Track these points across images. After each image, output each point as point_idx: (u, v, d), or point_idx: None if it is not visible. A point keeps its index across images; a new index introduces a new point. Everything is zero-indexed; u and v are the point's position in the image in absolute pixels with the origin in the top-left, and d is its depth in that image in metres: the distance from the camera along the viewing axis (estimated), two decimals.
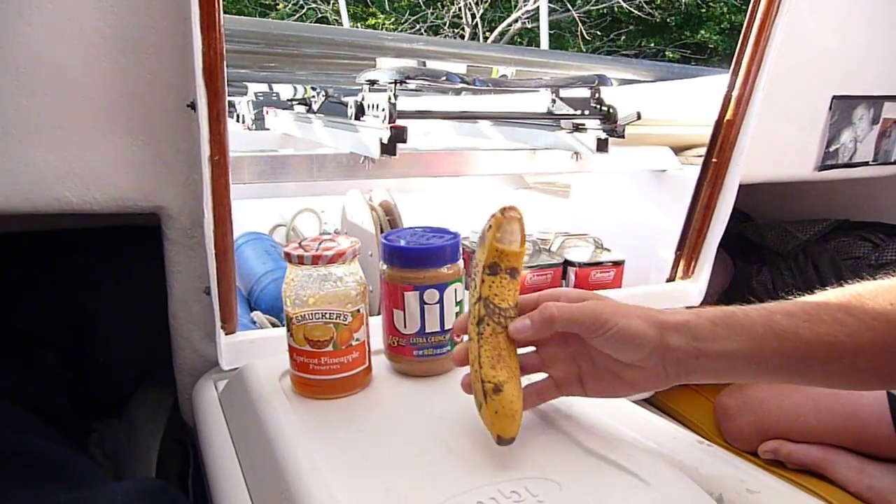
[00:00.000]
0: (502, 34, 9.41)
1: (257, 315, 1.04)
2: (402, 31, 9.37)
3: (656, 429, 0.66)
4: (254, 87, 1.80)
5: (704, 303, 1.14)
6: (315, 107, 1.31)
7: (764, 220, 1.56)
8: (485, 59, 2.28)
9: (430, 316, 0.68)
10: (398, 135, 0.92)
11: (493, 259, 0.55)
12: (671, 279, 1.15)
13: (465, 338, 0.58)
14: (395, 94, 0.94)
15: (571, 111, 1.15)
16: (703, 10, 9.63)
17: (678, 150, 1.28)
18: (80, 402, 0.97)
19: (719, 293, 1.35)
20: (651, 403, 1.27)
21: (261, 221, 1.49)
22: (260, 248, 1.27)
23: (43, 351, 0.98)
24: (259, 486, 0.58)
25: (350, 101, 1.04)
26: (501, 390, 0.52)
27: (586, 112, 1.13)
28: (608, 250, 1.16)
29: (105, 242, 1.06)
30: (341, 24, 6.94)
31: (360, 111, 1.02)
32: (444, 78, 1.05)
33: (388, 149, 0.93)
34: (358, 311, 0.65)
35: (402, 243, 0.68)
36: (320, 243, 0.65)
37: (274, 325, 1.01)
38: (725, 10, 9.40)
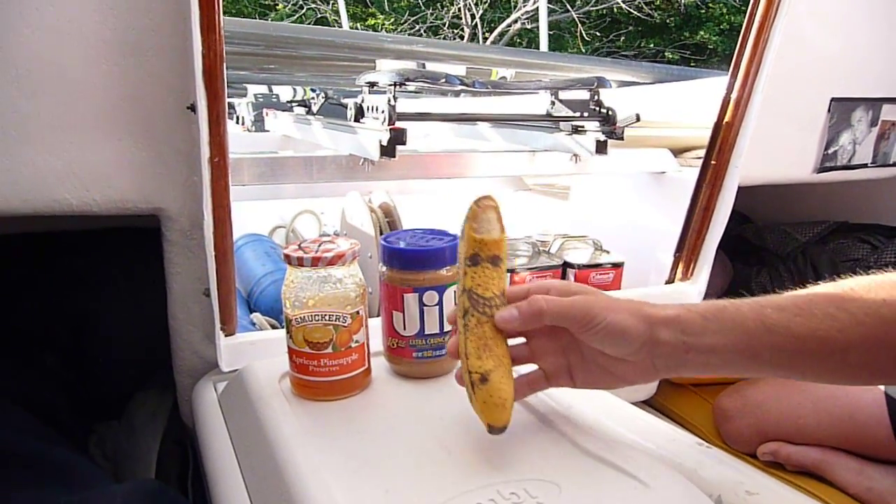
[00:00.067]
0: (502, 35, 9.41)
1: (257, 317, 1.04)
2: (401, 31, 9.38)
3: (655, 430, 0.66)
4: (253, 89, 1.81)
5: None
6: (315, 108, 1.31)
7: (763, 221, 1.57)
8: (484, 60, 2.28)
9: (429, 318, 0.68)
10: (398, 137, 0.92)
11: (472, 250, 0.55)
12: (670, 281, 1.15)
13: None
14: (394, 96, 0.94)
15: (571, 113, 1.15)
16: (703, 11, 9.64)
17: (677, 152, 1.28)
18: (80, 403, 0.97)
19: (718, 295, 1.35)
20: (650, 405, 1.27)
21: (260, 223, 1.49)
22: (259, 249, 1.27)
23: (43, 352, 0.98)
24: (258, 487, 0.59)
25: (350, 102, 1.04)
26: (488, 380, 0.52)
27: (585, 114, 1.13)
28: (607, 252, 1.17)
29: (105, 244, 1.06)
30: (341, 24, 6.95)
31: (359, 113, 1.02)
32: (444, 80, 1.05)
33: (388, 151, 0.93)
34: (357, 312, 0.65)
35: (402, 245, 0.68)
36: (320, 245, 0.65)
37: (273, 327, 1.01)
38: (725, 10, 9.41)
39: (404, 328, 0.68)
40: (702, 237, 1.10)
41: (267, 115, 1.59)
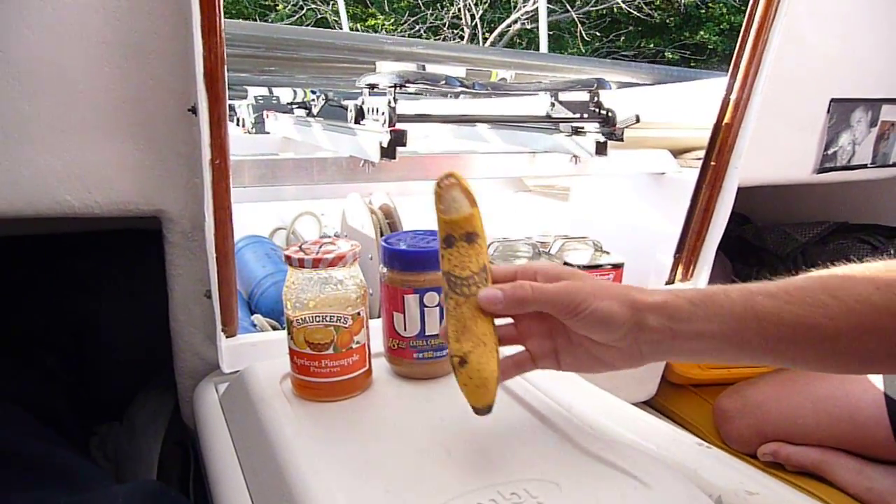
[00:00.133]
0: (502, 35, 9.43)
1: (258, 318, 1.04)
2: (401, 31, 9.39)
3: (656, 431, 0.66)
4: (254, 91, 1.81)
5: None
6: (315, 110, 1.32)
7: (763, 222, 1.57)
8: (484, 62, 2.28)
9: (430, 319, 0.68)
10: (398, 138, 0.92)
11: (444, 232, 0.54)
12: (670, 282, 1.15)
13: None
14: (394, 98, 0.95)
15: (570, 114, 1.16)
16: (703, 11, 9.66)
17: (677, 153, 1.28)
18: (81, 404, 0.97)
19: None
20: (651, 406, 1.27)
21: (261, 225, 1.49)
22: (260, 251, 1.27)
23: (44, 354, 0.98)
24: (260, 488, 0.59)
25: (350, 104, 1.04)
26: (467, 361, 0.52)
27: (585, 115, 1.13)
28: (607, 253, 1.17)
29: (106, 246, 1.06)
30: (340, 24, 6.96)
31: (359, 115, 1.02)
32: (444, 82, 1.05)
33: (388, 152, 0.93)
34: (358, 313, 0.65)
35: (403, 246, 0.68)
36: (320, 246, 0.66)
37: (274, 328, 1.01)
38: (725, 10, 9.42)
39: (405, 329, 0.68)
40: (702, 238, 1.10)
41: (267, 117, 1.60)
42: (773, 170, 1.14)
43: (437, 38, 9.58)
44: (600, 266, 1.12)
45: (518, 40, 9.69)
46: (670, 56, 9.84)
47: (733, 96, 0.99)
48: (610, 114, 1.11)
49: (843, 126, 1.15)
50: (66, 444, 0.79)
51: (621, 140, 1.11)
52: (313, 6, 9.17)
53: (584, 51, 9.55)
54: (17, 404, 0.81)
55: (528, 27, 9.19)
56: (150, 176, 0.75)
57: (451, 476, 0.52)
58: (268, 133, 1.60)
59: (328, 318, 0.64)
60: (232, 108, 1.76)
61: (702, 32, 9.58)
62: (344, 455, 0.56)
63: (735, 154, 1.03)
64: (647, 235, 1.26)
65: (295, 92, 1.86)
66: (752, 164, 1.04)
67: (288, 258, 0.64)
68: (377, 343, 0.71)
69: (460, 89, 1.08)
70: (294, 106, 1.52)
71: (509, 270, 0.56)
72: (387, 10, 9.77)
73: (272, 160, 1.00)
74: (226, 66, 0.70)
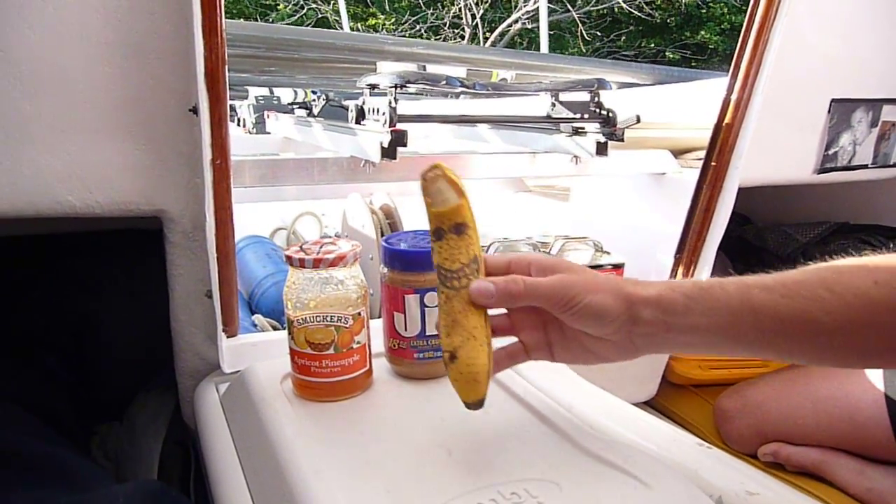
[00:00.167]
0: (502, 35, 9.43)
1: (258, 318, 1.04)
2: (402, 31, 9.39)
3: (656, 431, 0.66)
4: (254, 91, 1.81)
5: None
6: (315, 110, 1.32)
7: (763, 223, 1.57)
8: (484, 62, 2.28)
9: (430, 319, 0.68)
10: (399, 138, 0.92)
11: (433, 224, 0.53)
12: None
13: None
14: (395, 98, 0.95)
15: (571, 115, 1.16)
16: (704, 11, 9.65)
17: (677, 153, 1.28)
18: (82, 404, 0.97)
19: None
20: (651, 406, 1.27)
21: (261, 225, 1.49)
22: (261, 251, 1.27)
23: (45, 354, 0.98)
24: (260, 488, 0.59)
25: (351, 104, 1.04)
26: (456, 357, 0.51)
27: (586, 116, 1.13)
28: (608, 253, 1.17)
29: (107, 246, 1.07)
30: (341, 24, 6.96)
31: (360, 115, 1.02)
32: (444, 82, 1.06)
33: (389, 152, 0.93)
34: (359, 314, 0.65)
35: (403, 246, 0.68)
36: (321, 246, 0.66)
37: (275, 328, 1.01)
38: (726, 10, 9.42)
39: (405, 329, 0.68)
40: (702, 238, 1.10)
41: (268, 117, 1.60)
42: (773, 170, 1.14)
43: (438, 37, 9.58)
44: (601, 266, 1.13)
45: (519, 40, 9.69)
46: (671, 56, 9.84)
47: (734, 96, 0.99)
48: (610, 114, 1.11)
49: (843, 126, 1.15)
50: (67, 444, 0.79)
51: (622, 140, 1.11)
52: (314, 6, 9.17)
53: (584, 50, 9.55)
54: (18, 404, 0.81)
55: (529, 27, 9.19)
56: (150, 176, 0.76)
57: (452, 476, 0.52)
58: (268, 133, 1.60)
59: (329, 318, 0.64)
60: (233, 108, 1.76)
61: (703, 32, 9.57)
62: (345, 455, 0.56)
63: (736, 154, 1.03)
64: (647, 236, 1.26)
65: (296, 92, 1.86)
66: (752, 165, 1.04)
67: (289, 258, 0.64)
68: (378, 343, 0.71)
69: (461, 89, 1.08)
70: (295, 106, 1.52)
71: (503, 261, 0.56)
72: (387, 9, 9.77)
73: (273, 160, 1.00)
74: (227, 67, 0.70)
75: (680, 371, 1.26)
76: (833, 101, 1.12)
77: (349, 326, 0.64)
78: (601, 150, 1.09)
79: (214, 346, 0.83)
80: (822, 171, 1.17)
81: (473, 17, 9.50)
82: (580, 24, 9.19)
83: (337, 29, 8.32)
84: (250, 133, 1.71)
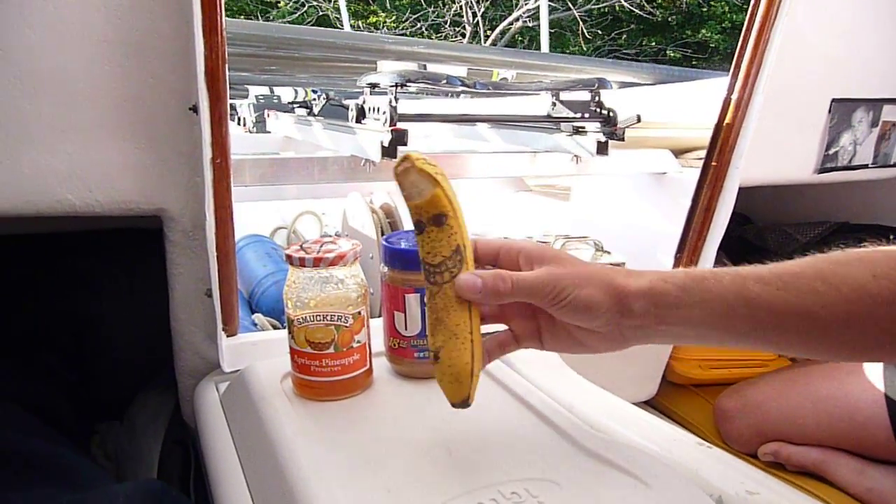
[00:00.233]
0: (503, 33, 9.43)
1: (258, 317, 1.04)
2: (402, 29, 9.39)
3: (656, 430, 0.67)
4: (255, 90, 1.81)
5: None
6: (316, 110, 1.32)
7: (764, 222, 1.57)
8: (485, 62, 2.28)
9: None
10: (399, 138, 0.92)
11: (414, 218, 0.51)
12: None
13: None
14: (395, 97, 0.95)
15: (571, 114, 1.16)
16: (705, 10, 9.66)
17: (678, 152, 1.28)
18: (82, 404, 0.97)
19: None
20: (651, 405, 1.27)
21: (261, 224, 1.50)
22: (261, 250, 1.27)
23: (45, 353, 0.98)
24: (260, 487, 0.59)
25: (351, 104, 1.04)
26: (439, 357, 0.51)
27: (586, 115, 1.13)
28: (608, 253, 1.17)
29: (107, 245, 1.07)
30: (342, 22, 6.96)
31: (360, 114, 1.02)
32: (445, 81, 1.06)
33: (389, 152, 0.93)
34: (359, 313, 0.65)
35: (403, 245, 0.68)
36: (321, 246, 0.66)
37: (275, 328, 1.01)
38: (727, 9, 9.42)
39: (406, 328, 0.68)
40: (703, 238, 1.10)
41: (268, 116, 1.60)
42: (774, 170, 1.14)
43: (439, 35, 9.59)
44: None
45: (520, 38, 9.69)
46: (672, 54, 9.85)
47: (734, 96, 0.99)
48: (611, 113, 1.11)
49: (844, 126, 1.15)
50: (67, 444, 0.79)
51: (622, 140, 1.11)
52: (315, 3, 9.18)
53: (585, 49, 9.56)
54: (18, 403, 0.81)
55: (530, 25, 9.19)
56: (151, 175, 0.75)
57: (452, 475, 0.52)
58: (269, 132, 1.60)
59: (329, 318, 0.64)
60: (233, 107, 1.76)
61: (703, 31, 9.58)
62: (345, 454, 0.56)
63: (736, 154, 1.03)
64: (648, 235, 1.26)
65: (296, 91, 1.86)
66: (753, 164, 1.04)
67: (289, 257, 0.64)
68: (378, 342, 0.71)
69: (461, 89, 1.08)
70: (295, 105, 1.52)
71: (492, 247, 0.54)
72: (388, 7, 9.77)
73: (273, 159, 1.00)
74: (227, 65, 0.70)
75: (680, 371, 1.27)
76: (833, 100, 1.12)
77: (349, 325, 0.64)
78: (602, 149, 1.09)
79: (214, 345, 0.83)
80: (822, 170, 1.17)
81: (474, 15, 9.51)
82: (581, 23, 9.19)
83: (337, 27, 8.32)
84: (251, 132, 1.71)
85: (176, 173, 0.76)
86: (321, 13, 9.23)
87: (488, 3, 9.61)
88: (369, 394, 0.68)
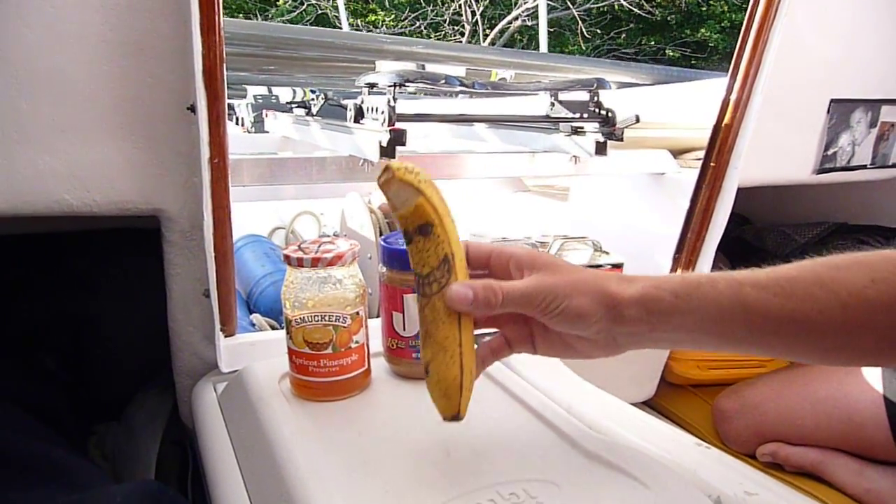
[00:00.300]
0: (502, 32, 9.44)
1: (256, 317, 1.04)
2: (401, 27, 9.40)
3: (655, 431, 0.66)
4: (253, 90, 1.81)
5: None
6: (314, 110, 1.31)
7: (762, 223, 1.57)
8: (484, 62, 2.28)
9: None
10: (397, 138, 0.92)
11: (402, 228, 0.50)
12: None
13: None
14: (394, 97, 0.95)
15: (570, 114, 1.15)
16: (704, 9, 9.68)
17: (677, 153, 1.28)
18: (80, 404, 0.97)
19: None
20: (650, 406, 1.28)
21: (260, 224, 1.49)
22: (259, 250, 1.27)
23: (42, 353, 0.98)
24: (258, 488, 0.59)
25: (349, 103, 1.04)
26: (428, 371, 0.50)
27: (585, 115, 1.13)
28: (607, 253, 1.17)
29: (105, 245, 1.06)
30: (340, 20, 6.96)
31: (359, 114, 1.02)
32: (444, 81, 1.05)
33: (388, 152, 0.93)
34: (357, 313, 0.65)
35: (401, 246, 0.68)
36: (319, 246, 0.65)
37: (273, 328, 1.01)
38: (726, 8, 9.44)
39: (404, 329, 0.68)
40: (701, 238, 1.10)
41: (266, 116, 1.60)
42: (772, 170, 1.14)
43: (438, 34, 9.59)
44: (600, 266, 1.12)
45: (519, 37, 9.70)
46: (671, 54, 9.86)
47: (733, 96, 0.99)
48: (610, 114, 1.11)
49: (842, 127, 1.15)
50: (65, 444, 0.79)
51: (621, 140, 1.11)
52: (314, 2, 9.17)
53: (584, 48, 9.57)
54: (16, 404, 0.81)
55: (529, 24, 9.19)
56: (148, 175, 0.75)
57: (451, 476, 0.52)
58: (267, 132, 1.60)
59: (327, 318, 0.64)
60: (231, 107, 1.76)
61: (703, 30, 9.59)
62: (343, 455, 0.56)
63: (735, 154, 1.03)
64: (646, 236, 1.26)
65: (294, 91, 1.85)
66: (751, 165, 1.04)
67: (287, 257, 0.64)
68: (376, 343, 0.71)
69: (460, 89, 1.08)
70: (293, 105, 1.51)
71: (483, 252, 0.54)
72: (387, 6, 9.77)
73: (271, 159, 1.00)
74: (225, 65, 0.70)
75: (678, 371, 1.27)
76: (832, 101, 1.12)
77: (347, 326, 0.64)
78: (600, 149, 1.09)
79: (212, 345, 0.83)
80: (821, 171, 1.17)
81: (473, 13, 9.51)
82: (580, 22, 9.20)
83: (336, 25, 8.32)
84: (249, 132, 1.70)
85: (174, 173, 0.76)
86: (320, 11, 9.23)
87: (487, 1, 9.62)
88: (367, 394, 0.68)
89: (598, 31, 9.75)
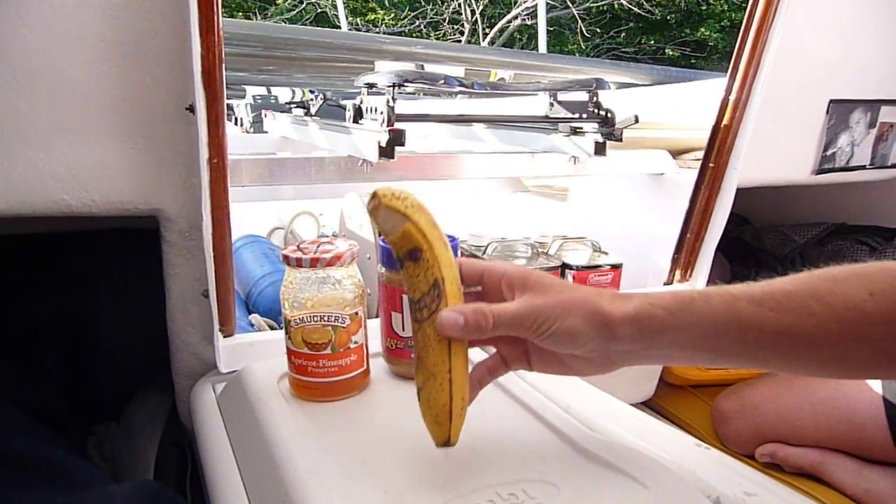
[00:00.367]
0: (502, 31, 9.44)
1: (255, 318, 1.04)
2: (401, 27, 9.40)
3: (654, 432, 0.66)
4: (252, 91, 1.81)
5: None
6: (313, 110, 1.31)
7: (761, 223, 1.57)
8: (483, 62, 2.28)
9: None
10: (396, 138, 0.92)
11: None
12: (669, 283, 1.15)
13: None
14: (393, 98, 0.94)
15: (569, 115, 1.15)
16: (703, 8, 9.69)
17: (676, 153, 1.28)
18: (79, 404, 0.97)
19: None
20: (649, 406, 1.28)
21: (258, 224, 1.49)
22: (258, 250, 1.27)
23: (41, 354, 0.98)
24: (257, 488, 0.59)
25: (348, 104, 1.04)
26: (419, 398, 0.50)
27: (584, 116, 1.13)
28: (606, 253, 1.17)
29: (103, 245, 1.06)
30: (339, 19, 6.96)
31: (358, 114, 1.02)
32: (443, 81, 1.05)
33: (387, 152, 0.93)
34: (356, 313, 0.65)
35: None
36: (318, 246, 0.65)
37: (272, 328, 1.01)
38: (725, 7, 9.45)
39: (403, 329, 0.68)
40: (700, 239, 1.10)
41: (265, 116, 1.60)
42: (771, 171, 1.14)
43: (437, 33, 9.59)
44: (599, 266, 1.12)
45: (518, 35, 9.70)
46: (671, 53, 9.87)
47: (732, 97, 0.99)
48: (609, 114, 1.11)
49: (841, 127, 1.15)
50: (64, 445, 0.79)
51: (620, 140, 1.11)
52: (313, 1, 9.17)
53: (584, 47, 9.57)
54: (15, 404, 0.81)
55: (529, 23, 9.19)
56: (147, 175, 0.75)
57: (449, 477, 0.52)
58: (266, 132, 1.60)
59: (326, 318, 0.63)
60: (230, 107, 1.76)
61: (702, 29, 9.60)
62: (341, 455, 0.56)
63: (734, 155, 1.03)
64: (645, 236, 1.26)
65: (293, 91, 1.86)
66: (750, 165, 1.04)
67: (286, 258, 0.64)
68: (375, 343, 0.71)
69: (459, 89, 1.08)
70: (292, 105, 1.51)
71: (476, 271, 0.54)
72: (387, 4, 9.77)
73: (270, 160, 1.00)
74: (224, 65, 0.70)
75: (678, 372, 1.27)
76: (831, 101, 1.12)
77: (346, 326, 0.64)
78: (599, 150, 1.09)
79: (211, 345, 0.83)
80: (820, 171, 1.17)
81: (473, 13, 9.51)
82: (580, 21, 9.20)
83: (336, 24, 8.31)
84: (247, 132, 1.70)
85: (173, 173, 0.76)
86: (319, 10, 9.23)
87: (487, 0, 9.62)
88: (366, 395, 0.68)
89: (598, 29, 9.75)
